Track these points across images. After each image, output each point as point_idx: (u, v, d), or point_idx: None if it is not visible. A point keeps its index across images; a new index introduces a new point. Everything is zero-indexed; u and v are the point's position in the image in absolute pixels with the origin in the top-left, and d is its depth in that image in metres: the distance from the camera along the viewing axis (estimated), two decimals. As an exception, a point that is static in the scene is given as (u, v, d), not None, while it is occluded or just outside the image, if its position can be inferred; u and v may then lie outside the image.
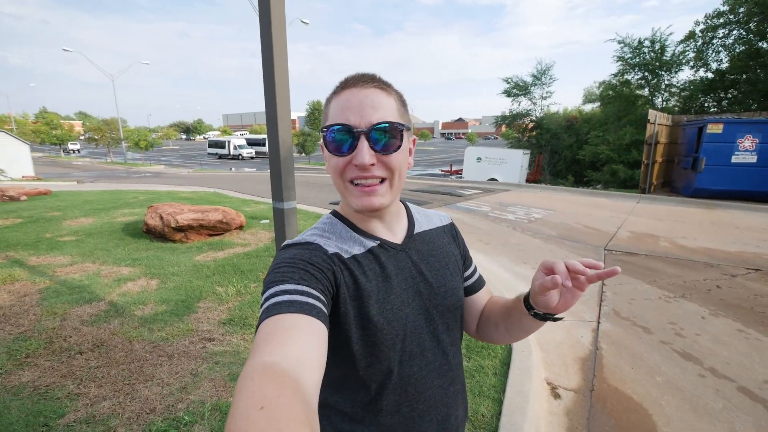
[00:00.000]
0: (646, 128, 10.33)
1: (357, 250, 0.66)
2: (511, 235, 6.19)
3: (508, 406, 2.10)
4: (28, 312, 3.13)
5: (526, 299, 0.68)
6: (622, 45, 14.63)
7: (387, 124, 0.61)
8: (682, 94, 14.63)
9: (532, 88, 18.22)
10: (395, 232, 0.72)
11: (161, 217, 5.15)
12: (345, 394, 0.67)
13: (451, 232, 0.84)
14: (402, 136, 0.63)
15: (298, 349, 0.45)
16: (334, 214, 0.72)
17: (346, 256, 0.64)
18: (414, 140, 0.73)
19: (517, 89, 18.36)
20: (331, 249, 0.64)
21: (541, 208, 8.47)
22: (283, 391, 0.39)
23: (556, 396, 2.35)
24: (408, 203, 0.81)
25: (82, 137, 43.72)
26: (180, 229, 5.06)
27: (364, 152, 0.60)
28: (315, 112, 33.83)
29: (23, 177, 16.37)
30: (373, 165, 0.61)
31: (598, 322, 3.29)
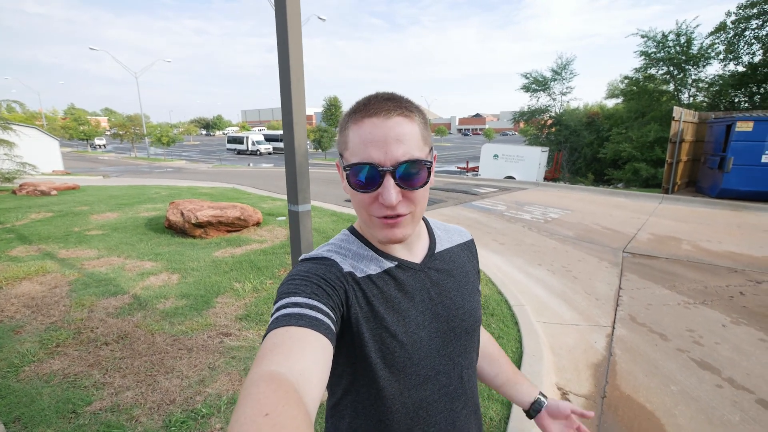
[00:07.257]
0: (670, 125, 9.98)
1: (373, 269, 0.65)
2: (527, 235, 6.11)
3: (517, 409, 2.11)
4: (59, 303, 3.31)
5: (528, 412, 0.87)
6: (645, 39, 14.12)
7: (412, 162, 0.58)
8: (711, 89, 14.01)
9: (552, 83, 17.81)
10: (415, 251, 0.70)
11: (182, 214, 5.32)
12: (355, 414, 0.66)
13: (470, 248, 0.82)
14: (428, 171, 0.60)
15: (302, 362, 0.46)
16: (352, 231, 0.71)
17: (360, 275, 0.63)
18: (435, 156, 0.66)
19: (536, 84, 17.97)
20: (346, 267, 0.63)
21: (559, 207, 8.32)
22: (287, 400, 0.40)
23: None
24: (429, 219, 0.79)
25: (108, 133, 45.23)
26: (200, 225, 5.22)
27: (391, 191, 0.57)
28: (332, 108, 34.02)
29: (53, 171, 17.05)
30: (399, 202, 0.58)
31: (613, 327, 3.24)
